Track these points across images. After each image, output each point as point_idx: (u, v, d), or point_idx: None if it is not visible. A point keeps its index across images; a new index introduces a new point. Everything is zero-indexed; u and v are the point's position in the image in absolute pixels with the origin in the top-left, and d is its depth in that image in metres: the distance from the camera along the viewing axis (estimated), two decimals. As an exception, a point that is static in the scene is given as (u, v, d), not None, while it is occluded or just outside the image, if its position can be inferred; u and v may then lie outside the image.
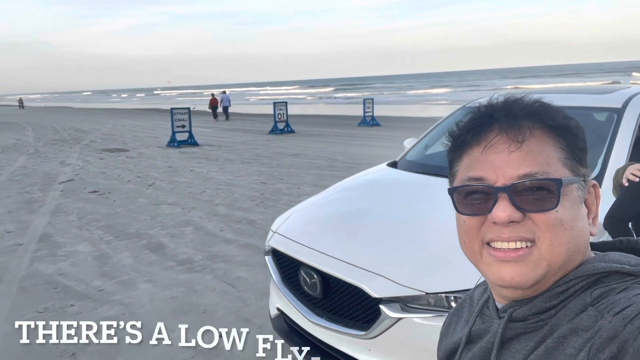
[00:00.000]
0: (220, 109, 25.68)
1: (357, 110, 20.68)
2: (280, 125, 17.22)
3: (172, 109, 14.81)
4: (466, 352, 0.74)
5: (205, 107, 28.14)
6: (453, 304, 1.90)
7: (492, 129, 0.65)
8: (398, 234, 2.34)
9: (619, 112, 2.83)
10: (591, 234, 0.66)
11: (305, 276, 2.36)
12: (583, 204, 0.66)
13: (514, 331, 0.66)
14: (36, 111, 46.11)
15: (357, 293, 2.13)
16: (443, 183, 2.75)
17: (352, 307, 2.17)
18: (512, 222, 0.62)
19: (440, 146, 3.78)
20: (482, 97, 4.28)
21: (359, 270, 2.10)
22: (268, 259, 2.71)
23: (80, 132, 19.66)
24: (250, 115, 29.59)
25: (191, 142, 14.34)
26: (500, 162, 0.63)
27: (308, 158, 10.88)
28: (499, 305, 0.70)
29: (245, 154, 12.06)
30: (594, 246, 0.70)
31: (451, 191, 0.68)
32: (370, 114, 18.87)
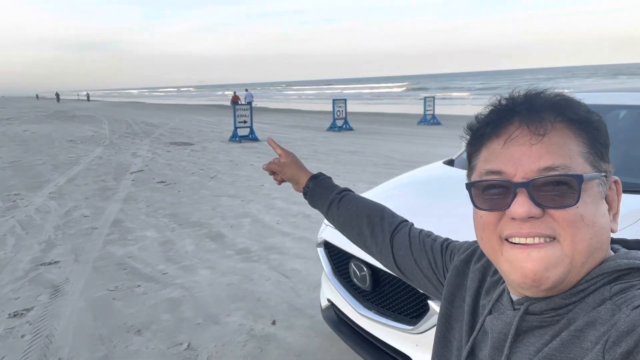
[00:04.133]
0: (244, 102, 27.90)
1: (420, 109, 20.31)
2: (339, 123, 17.29)
3: (234, 104, 15.31)
4: (477, 339, 0.73)
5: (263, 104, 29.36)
6: None
7: (512, 122, 0.64)
8: (449, 230, 2.32)
9: None
10: (612, 231, 0.64)
11: (355, 269, 2.40)
12: (604, 200, 0.64)
13: (528, 324, 0.65)
14: (113, 106, 49.33)
15: (406, 287, 2.15)
16: None
17: (401, 301, 2.19)
18: (531, 217, 0.60)
19: None
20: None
21: None
22: (320, 251, 2.78)
23: (151, 126, 20.82)
24: (310, 112, 29.94)
25: (252, 137, 14.76)
26: (521, 155, 0.62)
27: (365, 155, 10.88)
28: (514, 297, 0.68)
29: (304, 149, 12.24)
30: (616, 242, 0.69)
31: (469, 186, 0.67)
32: (431, 112, 18.50)
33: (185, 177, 8.76)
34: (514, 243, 0.62)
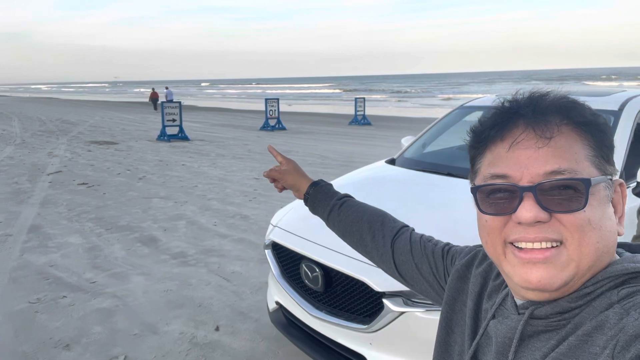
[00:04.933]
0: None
1: (350, 109, 20.69)
2: (272, 122, 17.16)
3: (162, 102, 14.67)
4: (480, 344, 0.72)
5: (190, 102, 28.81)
6: None
7: (517, 125, 0.63)
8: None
9: (615, 115, 2.88)
10: (618, 234, 0.64)
11: (306, 270, 2.36)
12: (610, 203, 0.63)
13: (534, 328, 0.64)
14: (23, 102, 45.33)
15: (360, 287, 2.14)
16: (441, 180, 2.77)
17: (354, 300, 2.19)
18: (538, 222, 0.60)
19: (438, 145, 3.82)
20: (479, 97, 4.32)
21: (362, 264, 2.12)
22: (268, 253, 2.71)
23: (67, 124, 19.38)
24: (240, 112, 29.46)
25: (182, 136, 14.22)
26: (527, 159, 0.61)
27: (300, 155, 10.87)
28: (519, 302, 0.67)
29: (237, 149, 12.01)
30: (631, 247, 0.69)
31: (474, 190, 0.66)
32: (362, 112, 18.91)
33: (110, 179, 8.23)
34: (520, 248, 0.61)
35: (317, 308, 2.34)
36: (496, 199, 0.63)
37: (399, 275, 0.99)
